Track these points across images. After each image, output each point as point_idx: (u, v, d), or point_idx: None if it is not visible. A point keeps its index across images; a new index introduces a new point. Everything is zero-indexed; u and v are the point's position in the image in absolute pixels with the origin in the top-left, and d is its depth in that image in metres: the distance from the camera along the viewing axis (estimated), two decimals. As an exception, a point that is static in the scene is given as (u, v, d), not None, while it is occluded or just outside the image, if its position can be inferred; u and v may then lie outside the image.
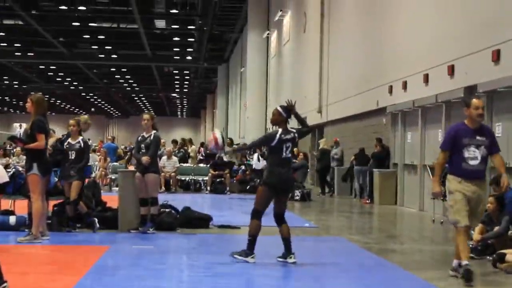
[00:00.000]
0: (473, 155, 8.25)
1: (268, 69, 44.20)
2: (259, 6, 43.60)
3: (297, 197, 21.08)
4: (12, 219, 12.09)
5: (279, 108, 9.43)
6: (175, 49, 57.45)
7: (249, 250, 9.11)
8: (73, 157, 12.03)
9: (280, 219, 9.26)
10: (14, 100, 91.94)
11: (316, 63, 29.41)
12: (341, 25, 26.39)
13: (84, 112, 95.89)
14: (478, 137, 8.28)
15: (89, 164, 13.65)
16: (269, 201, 9.20)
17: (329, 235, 13.02)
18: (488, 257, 9.39)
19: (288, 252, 9.17)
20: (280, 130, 9.24)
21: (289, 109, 9.36)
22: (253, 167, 25.88)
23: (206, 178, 24.97)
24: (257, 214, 9.12)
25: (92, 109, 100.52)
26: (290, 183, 9.63)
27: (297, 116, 9.50)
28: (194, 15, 45.63)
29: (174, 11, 43.69)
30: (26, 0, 40.59)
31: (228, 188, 24.14)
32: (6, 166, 16.72)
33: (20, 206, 13.11)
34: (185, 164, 26.43)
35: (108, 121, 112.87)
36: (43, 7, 42.66)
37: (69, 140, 12.27)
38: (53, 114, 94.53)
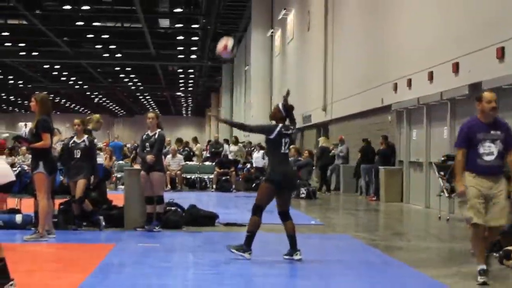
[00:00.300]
0: (488, 150, 7.99)
1: (272, 67, 44.20)
2: (263, 5, 43.62)
3: (302, 195, 21.07)
4: (19, 218, 12.13)
5: (279, 105, 9.46)
6: (179, 48, 57.49)
7: (247, 246, 9.10)
8: (78, 156, 12.07)
9: (285, 216, 9.25)
10: (19, 99, 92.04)
11: (320, 61, 29.41)
12: (345, 23, 26.36)
13: (89, 111, 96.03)
14: (492, 132, 8.02)
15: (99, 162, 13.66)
16: (271, 198, 9.17)
17: (335, 233, 13.01)
18: (494, 254, 9.35)
19: (293, 249, 9.16)
20: (280, 124, 9.26)
21: (289, 109, 9.40)
22: (254, 165, 25.93)
23: (211, 176, 24.99)
24: (258, 210, 9.09)
25: (96, 99, 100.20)
26: (294, 180, 9.62)
27: (291, 116, 9.57)
28: (198, 14, 45.66)
29: (178, 10, 43.71)
30: (30, 0, 40.63)
31: (233, 186, 24.17)
32: (12, 165, 16.74)
33: (27, 205, 13.14)
34: (190, 162, 26.45)
35: (113, 120, 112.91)
36: (47, 6, 42.71)
37: (75, 139, 12.32)
38: (58, 113, 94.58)
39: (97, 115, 13.38)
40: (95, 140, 13.28)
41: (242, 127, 10.43)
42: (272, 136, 9.16)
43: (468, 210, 7.99)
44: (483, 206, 7.93)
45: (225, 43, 9.77)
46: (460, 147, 8.18)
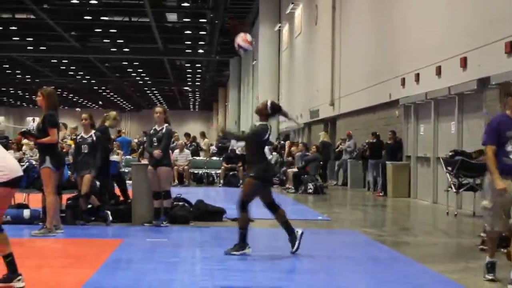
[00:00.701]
0: None
1: (280, 61, 44.17)
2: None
3: (310, 190, 21.05)
4: (26, 213, 12.16)
5: (268, 102, 9.54)
6: (186, 43, 57.46)
7: (244, 242, 9.24)
8: (85, 151, 12.09)
9: (274, 206, 9.41)
10: (27, 94, 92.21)
11: (328, 55, 29.36)
12: (353, 17, 26.32)
13: (97, 106, 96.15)
14: None
15: (113, 159, 13.63)
16: (257, 194, 9.33)
17: (342, 228, 13.00)
18: (502, 250, 9.31)
19: (293, 232, 9.30)
20: (269, 127, 9.40)
21: (276, 109, 9.52)
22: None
23: (219, 171, 24.99)
24: (246, 206, 9.24)
25: (100, 102, 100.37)
26: (275, 175, 9.91)
27: (284, 114, 9.88)
28: (205, 8, 45.64)
29: (186, 4, 43.70)
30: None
31: (241, 181, 24.12)
32: (20, 160, 16.80)
33: (34, 200, 13.17)
34: (198, 157, 26.48)
35: (121, 115, 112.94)
36: (54, 1, 42.76)
37: (82, 134, 12.35)
38: (66, 108, 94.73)
39: (114, 112, 13.48)
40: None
41: (240, 138, 10.46)
42: (265, 139, 9.35)
43: (492, 218, 7.76)
44: (504, 213, 7.68)
45: (244, 36, 9.84)
46: (490, 144, 7.70)
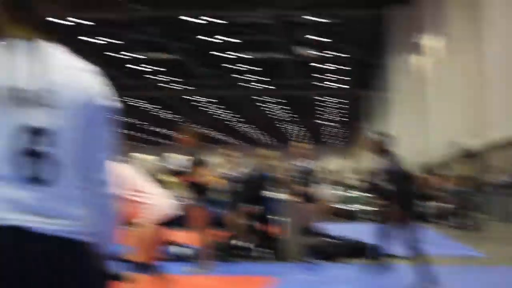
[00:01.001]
0: None
1: (415, 93, 43.45)
2: (402, 30, 43.13)
3: (462, 225, 20.50)
4: (181, 250, 12.38)
5: (381, 138, 9.57)
6: (321, 76, 57.64)
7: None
8: (235, 189, 12.25)
9: None
10: (166, 130, 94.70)
11: (467, 86, 28.66)
12: (492, 43, 25.52)
13: (239, 142, 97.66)
14: None
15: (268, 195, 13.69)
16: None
17: (497, 265, 12.44)
18: None
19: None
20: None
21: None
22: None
23: (367, 207, 24.70)
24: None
25: (242, 131, 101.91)
26: None
27: None
28: (339, 42, 45.69)
29: (318, 38, 43.93)
30: (173, 32, 42.00)
31: (388, 217, 23.76)
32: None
33: (187, 238, 13.40)
34: (344, 193, 26.33)
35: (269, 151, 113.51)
36: (188, 39, 43.93)
37: (227, 171, 12.53)
38: (208, 145, 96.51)
39: (269, 152, 13.65)
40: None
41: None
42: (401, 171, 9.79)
43: None
44: None
45: None
46: None
